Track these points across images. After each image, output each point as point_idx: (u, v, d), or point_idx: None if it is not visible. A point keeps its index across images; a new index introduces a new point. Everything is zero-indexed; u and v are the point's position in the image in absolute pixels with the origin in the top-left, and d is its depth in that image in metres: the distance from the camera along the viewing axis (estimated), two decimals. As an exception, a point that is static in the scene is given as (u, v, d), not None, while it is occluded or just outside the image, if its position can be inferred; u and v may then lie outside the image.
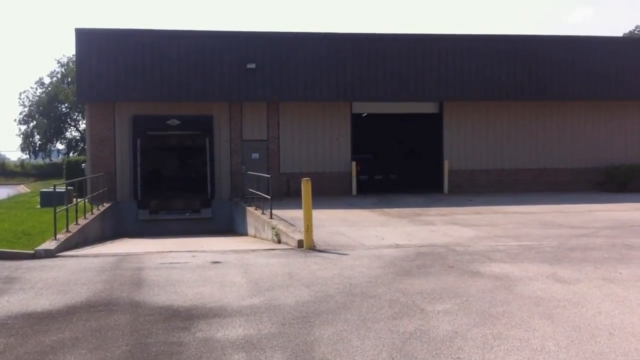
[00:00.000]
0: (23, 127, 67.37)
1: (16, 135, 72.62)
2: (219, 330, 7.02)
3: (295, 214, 16.09)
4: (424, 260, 10.99)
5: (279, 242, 14.47)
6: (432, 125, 27.88)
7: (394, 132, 30.32)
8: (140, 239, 20.21)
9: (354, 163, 26.54)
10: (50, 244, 13.36)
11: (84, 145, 43.93)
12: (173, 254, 12.99)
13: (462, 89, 26.73)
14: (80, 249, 14.54)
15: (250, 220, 19.78)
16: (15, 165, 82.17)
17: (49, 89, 65.51)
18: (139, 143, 24.87)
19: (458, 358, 6.04)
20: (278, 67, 25.47)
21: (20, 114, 67.26)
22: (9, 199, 35.71)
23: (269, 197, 17.16)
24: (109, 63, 24.47)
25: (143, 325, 7.29)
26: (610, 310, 7.59)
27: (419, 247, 12.52)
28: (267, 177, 18.38)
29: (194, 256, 12.40)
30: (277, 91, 25.65)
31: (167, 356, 6.22)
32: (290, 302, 8.19)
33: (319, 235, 13.70)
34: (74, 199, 18.67)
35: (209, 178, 25.37)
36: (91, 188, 21.81)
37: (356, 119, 26.95)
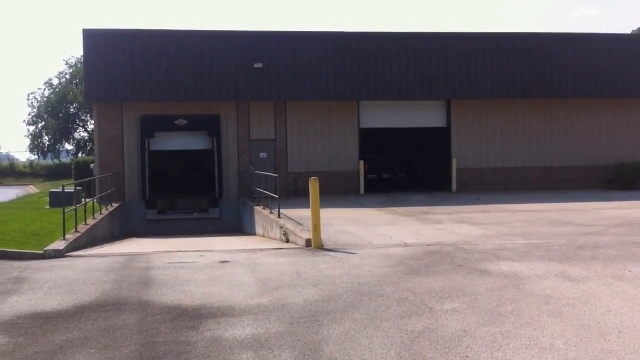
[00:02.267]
0: (32, 128, 67.65)
1: (25, 136, 72.81)
2: (227, 330, 7.03)
3: (303, 213, 16.08)
4: (433, 259, 10.97)
5: (287, 241, 14.47)
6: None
7: (401, 131, 30.18)
8: (148, 238, 20.27)
9: (361, 162, 26.53)
10: (59, 245, 13.41)
11: (93, 146, 44.06)
12: (181, 253, 13.02)
13: (470, 87, 26.68)
14: (89, 249, 14.59)
15: (258, 219, 19.80)
16: (25, 166, 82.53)
17: (58, 90, 65.73)
18: (147, 143, 24.93)
19: (467, 357, 6.02)
20: (285, 66, 25.49)
21: (29, 115, 67.52)
22: (19, 199, 35.88)
23: (277, 196, 17.17)
24: (116, 64, 24.55)
25: (152, 325, 7.30)
26: (619, 309, 7.55)
27: (427, 246, 12.49)
28: (275, 177, 18.39)
29: (202, 256, 12.42)
30: (285, 90, 25.67)
31: (175, 355, 6.23)
32: (299, 302, 8.19)
33: (327, 235, 13.69)
34: (83, 200, 18.74)
35: (216, 178, 25.40)
36: (100, 188, 21.89)
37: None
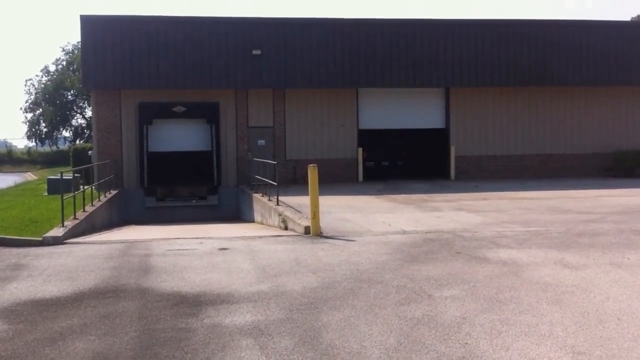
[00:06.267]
0: (29, 115, 67.46)
1: (22, 122, 72.64)
2: (226, 317, 7.04)
3: (302, 201, 16.09)
4: (431, 246, 10.98)
5: (286, 228, 14.47)
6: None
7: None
8: (147, 225, 20.26)
9: (360, 149, 26.51)
10: (57, 231, 13.40)
11: (90, 133, 43.97)
12: (180, 240, 13.02)
13: (469, 74, 26.62)
14: (88, 236, 14.58)
15: (256, 207, 19.80)
16: (22, 153, 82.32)
17: (55, 76, 65.50)
18: (145, 130, 24.89)
19: (466, 344, 6.04)
20: (284, 53, 25.39)
21: (26, 101, 67.28)
22: (17, 186, 35.84)
23: (276, 183, 17.16)
24: (114, 50, 24.44)
25: (151, 312, 7.31)
26: (618, 296, 7.58)
27: (426, 233, 12.50)
28: (274, 164, 18.37)
29: (201, 243, 12.43)
30: (283, 77, 25.59)
31: (175, 342, 6.24)
32: (298, 288, 8.20)
33: (326, 222, 13.70)
34: (81, 186, 18.70)
35: (215, 165, 25.38)
36: (98, 175, 21.86)
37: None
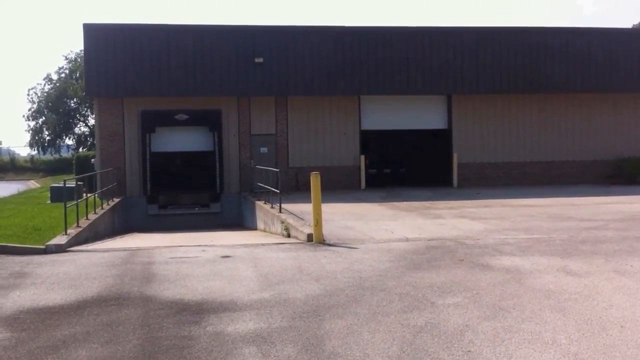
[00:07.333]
0: (32, 123, 67.55)
1: (25, 130, 72.70)
2: (229, 324, 7.04)
3: (305, 208, 16.09)
4: (434, 254, 10.97)
5: (289, 236, 14.47)
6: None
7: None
8: (149, 233, 20.28)
9: (362, 157, 26.52)
10: (61, 239, 13.42)
11: (93, 141, 44.06)
12: (183, 248, 13.03)
13: (471, 82, 26.67)
14: (91, 244, 14.60)
15: (259, 214, 19.81)
16: (25, 161, 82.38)
17: (58, 84, 65.65)
18: (148, 138, 24.93)
19: (469, 351, 6.03)
20: (286, 61, 25.47)
21: (29, 110, 67.39)
22: (20, 194, 35.89)
23: (278, 191, 17.18)
24: (117, 58, 24.53)
25: (154, 320, 7.31)
26: (621, 303, 7.56)
27: (429, 240, 12.50)
28: (276, 171, 18.39)
29: (203, 250, 12.43)
30: (285, 85, 25.66)
31: (178, 350, 6.24)
32: (300, 296, 8.20)
33: (329, 229, 13.70)
34: (84, 194, 18.74)
35: (217, 172, 25.41)
36: (101, 183, 21.90)
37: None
